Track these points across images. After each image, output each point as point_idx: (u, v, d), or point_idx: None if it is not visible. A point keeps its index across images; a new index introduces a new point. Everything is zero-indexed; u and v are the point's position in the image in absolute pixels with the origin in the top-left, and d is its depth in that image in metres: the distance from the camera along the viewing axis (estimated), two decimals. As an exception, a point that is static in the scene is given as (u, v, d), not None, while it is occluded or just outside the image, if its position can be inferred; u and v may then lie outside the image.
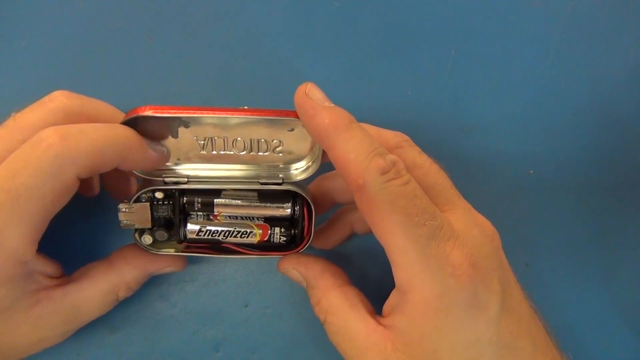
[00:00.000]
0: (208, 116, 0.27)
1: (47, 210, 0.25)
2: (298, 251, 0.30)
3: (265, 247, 0.30)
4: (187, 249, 0.31)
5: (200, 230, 0.30)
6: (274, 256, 0.31)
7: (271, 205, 0.30)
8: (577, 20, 0.37)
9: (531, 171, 0.36)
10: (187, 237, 0.30)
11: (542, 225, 0.36)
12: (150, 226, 0.29)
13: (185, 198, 0.30)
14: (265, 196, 0.30)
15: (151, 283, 0.34)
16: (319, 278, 0.29)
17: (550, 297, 0.35)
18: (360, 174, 0.25)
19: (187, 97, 0.36)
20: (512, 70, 0.37)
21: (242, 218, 0.30)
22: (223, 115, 0.27)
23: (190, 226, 0.30)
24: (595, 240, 0.36)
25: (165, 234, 0.30)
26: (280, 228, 0.30)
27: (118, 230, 0.29)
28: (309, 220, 0.30)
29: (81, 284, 0.29)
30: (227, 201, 0.30)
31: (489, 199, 0.35)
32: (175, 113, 0.27)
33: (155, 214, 0.29)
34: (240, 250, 0.30)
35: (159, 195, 0.29)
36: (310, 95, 0.26)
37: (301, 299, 0.34)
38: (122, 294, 0.30)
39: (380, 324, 0.27)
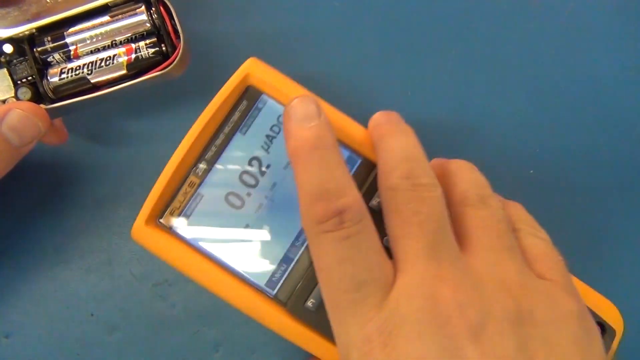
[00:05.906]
0: None
1: None
2: (174, 60, 0.28)
3: (138, 68, 0.29)
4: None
5: (62, 72, 0.29)
6: (151, 78, 0.28)
7: (122, 11, 0.28)
8: (576, 20, 0.37)
9: (531, 171, 0.36)
10: (53, 87, 0.29)
11: (542, 225, 0.36)
12: (14, 93, 0.29)
13: (38, 48, 0.29)
14: (115, 8, 0.28)
15: (151, 283, 0.34)
16: None
17: (550, 297, 0.35)
18: (302, 214, 0.22)
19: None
20: (512, 70, 0.37)
21: (103, 50, 0.29)
22: None
23: (51, 77, 0.29)
24: (595, 240, 0.36)
25: (29, 90, 0.29)
26: (145, 41, 0.29)
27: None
28: (169, 18, 0.28)
29: None
30: (79, 31, 0.28)
31: (489, 199, 0.35)
32: None
33: (15, 77, 0.29)
34: (110, 82, 0.29)
35: (7, 49, 0.28)
36: (291, 113, 0.23)
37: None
38: None
39: None
